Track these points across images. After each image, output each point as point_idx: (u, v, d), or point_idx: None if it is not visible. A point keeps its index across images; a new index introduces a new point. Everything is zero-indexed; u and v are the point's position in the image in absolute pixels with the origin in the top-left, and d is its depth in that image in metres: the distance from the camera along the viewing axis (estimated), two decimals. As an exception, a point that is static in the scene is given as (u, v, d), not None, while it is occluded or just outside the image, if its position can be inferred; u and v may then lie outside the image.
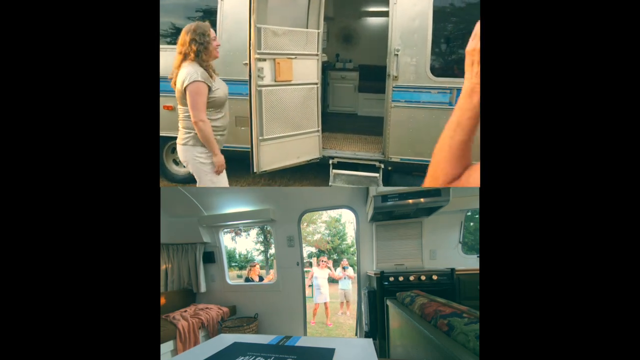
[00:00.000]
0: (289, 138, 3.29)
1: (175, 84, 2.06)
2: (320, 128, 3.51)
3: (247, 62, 2.91)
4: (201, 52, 2.00)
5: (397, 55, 3.13)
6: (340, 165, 3.51)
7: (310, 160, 3.49)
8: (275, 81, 3.09)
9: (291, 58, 3.16)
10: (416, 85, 3.16)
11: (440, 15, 3.05)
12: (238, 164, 3.95)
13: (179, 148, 2.20)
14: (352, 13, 5.89)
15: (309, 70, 3.34)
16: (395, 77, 3.15)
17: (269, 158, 3.21)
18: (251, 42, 2.83)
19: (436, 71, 3.13)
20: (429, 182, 0.77)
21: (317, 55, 3.37)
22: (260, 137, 3.10)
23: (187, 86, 1.96)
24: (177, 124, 2.21)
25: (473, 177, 0.73)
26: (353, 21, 5.97)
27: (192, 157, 2.17)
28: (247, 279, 4.37)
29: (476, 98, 0.72)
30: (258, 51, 2.92)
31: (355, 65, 5.80)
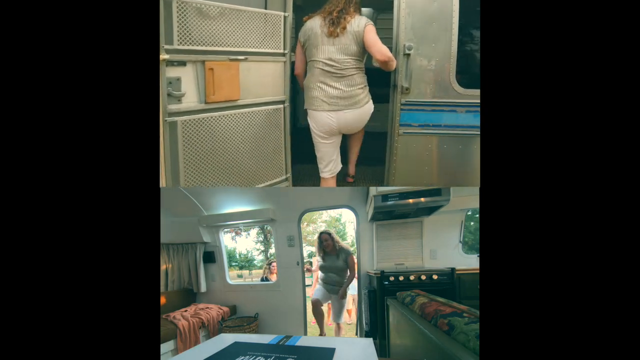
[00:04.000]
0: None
1: (343, 30, 1.99)
2: (289, 175, 2.27)
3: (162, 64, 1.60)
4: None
5: (409, 55, 2.04)
6: None
7: None
8: (206, 103, 1.76)
9: (237, 60, 1.85)
10: (437, 102, 2.11)
11: None
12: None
13: (361, 110, 2.06)
14: None
15: (270, 80, 2.04)
16: (407, 89, 2.08)
17: None
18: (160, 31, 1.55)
19: (464, 79, 2.08)
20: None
21: (283, 54, 2.08)
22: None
23: (367, 26, 1.99)
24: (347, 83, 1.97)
25: None
26: None
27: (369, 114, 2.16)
28: (264, 279, 4.21)
29: None
30: (168, 46, 1.59)
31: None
